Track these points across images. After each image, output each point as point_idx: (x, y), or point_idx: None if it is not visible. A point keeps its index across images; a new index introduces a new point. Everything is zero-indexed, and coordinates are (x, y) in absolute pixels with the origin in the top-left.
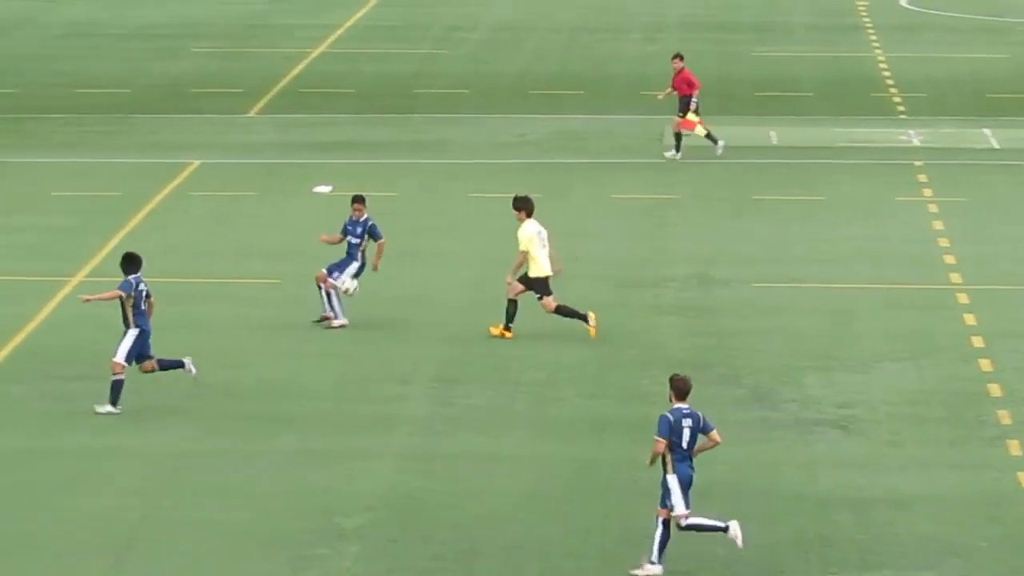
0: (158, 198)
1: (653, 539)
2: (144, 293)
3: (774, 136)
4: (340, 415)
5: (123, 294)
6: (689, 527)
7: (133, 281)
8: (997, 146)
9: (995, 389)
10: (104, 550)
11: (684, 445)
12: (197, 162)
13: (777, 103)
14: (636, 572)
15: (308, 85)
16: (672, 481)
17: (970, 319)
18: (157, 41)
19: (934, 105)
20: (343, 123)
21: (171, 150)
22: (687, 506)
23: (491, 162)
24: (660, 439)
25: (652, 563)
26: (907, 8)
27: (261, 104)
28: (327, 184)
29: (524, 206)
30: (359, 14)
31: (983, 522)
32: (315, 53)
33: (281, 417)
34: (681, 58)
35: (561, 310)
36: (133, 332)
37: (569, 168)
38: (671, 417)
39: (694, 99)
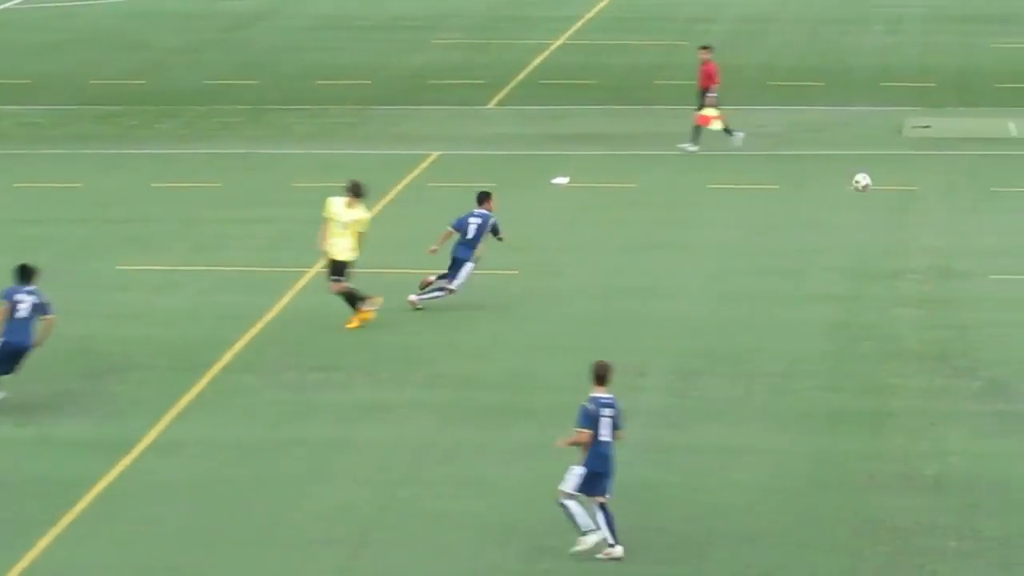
0: (396, 189)
1: (602, 527)
2: (31, 305)
3: (1013, 128)
4: (575, 407)
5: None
6: (563, 505)
7: (10, 292)
8: None
9: None
10: (340, 541)
11: (601, 435)
12: (436, 153)
13: (1018, 95)
14: (601, 556)
15: (548, 76)
16: (577, 469)
17: None
18: (400, 33)
19: None
20: (583, 115)
21: (411, 141)
22: (578, 491)
23: (732, 153)
24: (582, 430)
25: (612, 545)
26: None
27: (501, 95)
28: (565, 176)
29: (354, 191)
30: (601, 5)
31: None
32: (556, 44)
33: (518, 408)
34: (708, 50)
35: (347, 293)
36: None
37: (808, 159)
38: (591, 407)
39: (711, 93)
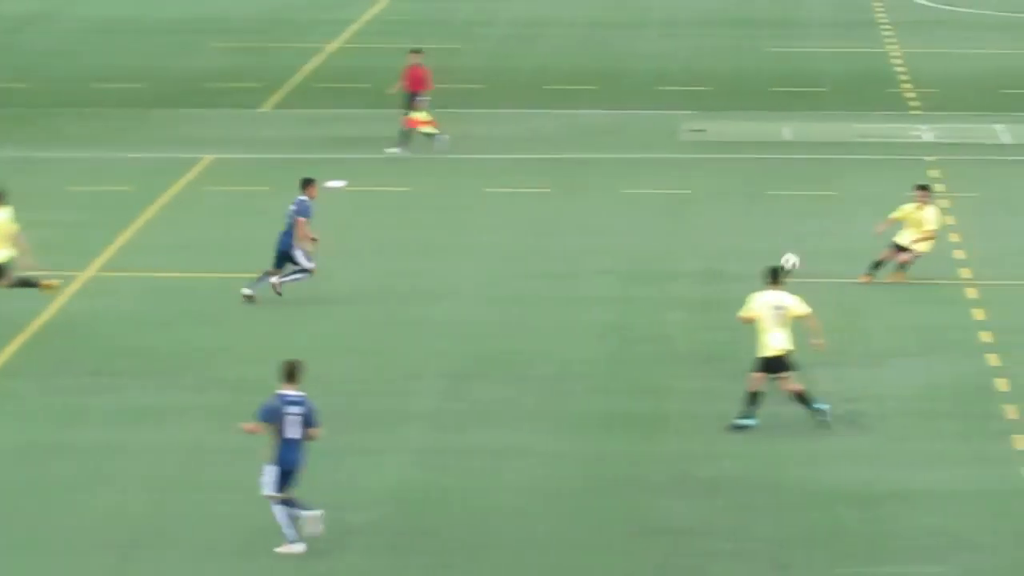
0: (172, 192)
1: (280, 523)
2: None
3: (787, 132)
4: (350, 410)
5: None
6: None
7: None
8: (1010, 142)
9: (1002, 384)
10: (111, 546)
11: (288, 434)
12: (211, 157)
13: (791, 99)
14: (280, 550)
15: (324, 80)
16: (269, 469)
17: (979, 314)
18: (177, 36)
19: (948, 101)
20: (358, 118)
21: (187, 145)
22: (279, 490)
23: (506, 157)
24: (256, 424)
25: (291, 543)
26: (923, 4)
27: (277, 99)
28: (342, 179)
29: None
30: (377, 9)
31: (990, 516)
32: (332, 48)
33: None
34: (419, 53)
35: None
36: None
37: (583, 163)
38: (273, 402)
39: (421, 97)
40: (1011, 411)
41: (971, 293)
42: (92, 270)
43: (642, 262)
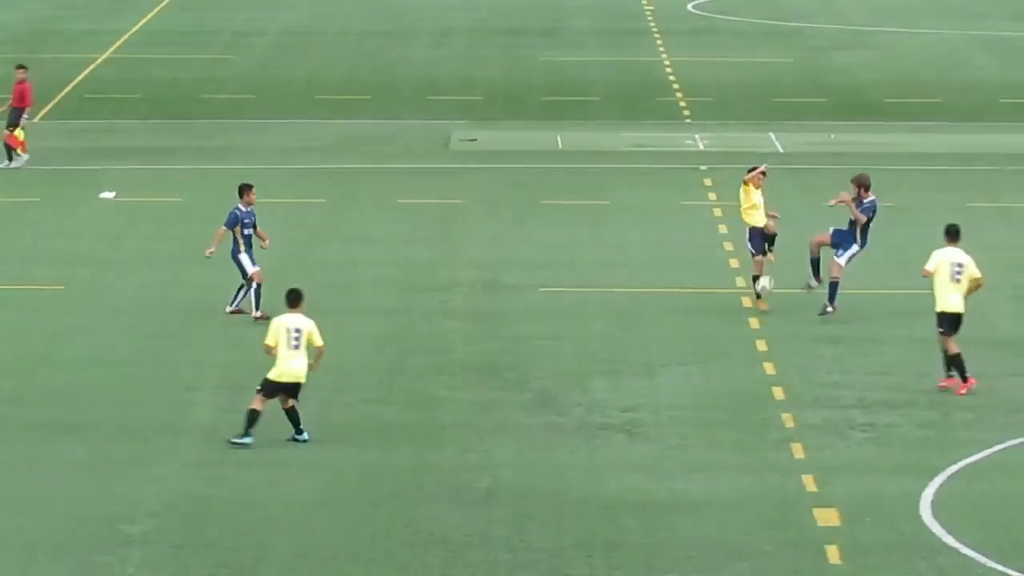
0: None
1: None
2: None
3: (560, 141)
4: (125, 422)
5: None
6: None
7: None
8: (782, 150)
9: (779, 392)
10: None
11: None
12: None
13: (564, 108)
14: None
15: (94, 91)
16: None
17: (754, 323)
18: None
19: (720, 109)
20: (129, 129)
21: None
22: None
23: (278, 167)
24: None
25: None
26: (693, 13)
27: (45, 110)
28: (111, 191)
29: None
30: (146, 19)
31: (768, 525)
32: (101, 59)
33: (66, 425)
34: (24, 69)
35: None
36: None
37: (356, 173)
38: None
39: (25, 115)
40: (788, 419)
41: (746, 302)
42: None
43: (418, 272)
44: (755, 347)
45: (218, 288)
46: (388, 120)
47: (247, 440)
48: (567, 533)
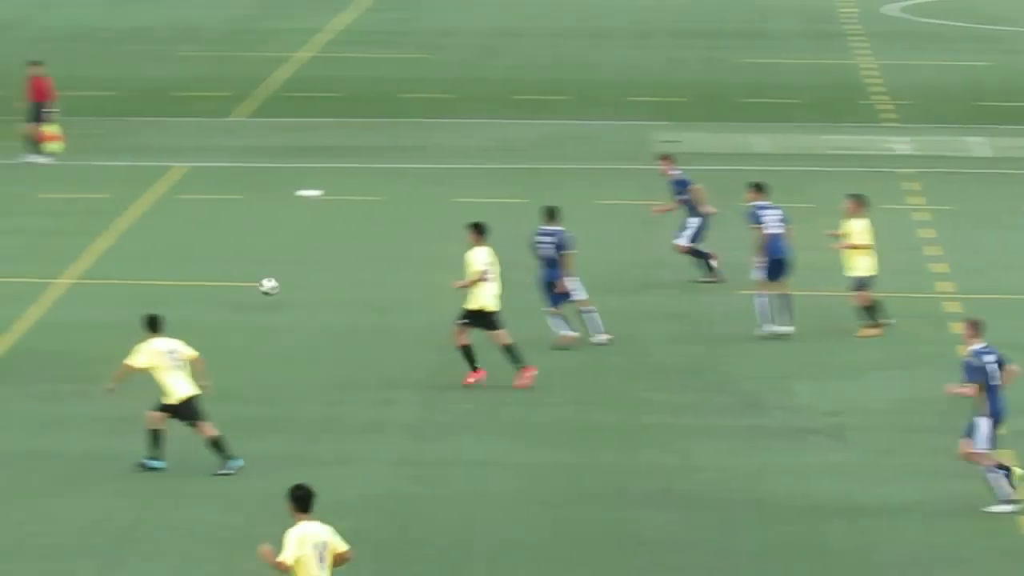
0: (146, 201)
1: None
2: None
3: (760, 143)
4: (329, 419)
5: None
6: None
7: None
8: (987, 154)
9: None
10: (94, 554)
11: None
12: (184, 165)
13: (763, 110)
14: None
15: (294, 89)
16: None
17: (958, 328)
18: (144, 44)
19: (922, 112)
20: (329, 127)
21: (156, 153)
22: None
23: (477, 167)
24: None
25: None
26: (892, 16)
27: (248, 108)
28: (315, 188)
29: None
30: (347, 18)
31: (977, 532)
32: (302, 57)
33: (271, 421)
34: (39, 65)
35: None
36: None
37: (555, 173)
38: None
39: (48, 109)
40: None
41: (951, 307)
42: (68, 278)
43: (618, 273)
44: (959, 352)
45: (418, 286)
46: (587, 121)
47: (157, 464)
48: (771, 537)
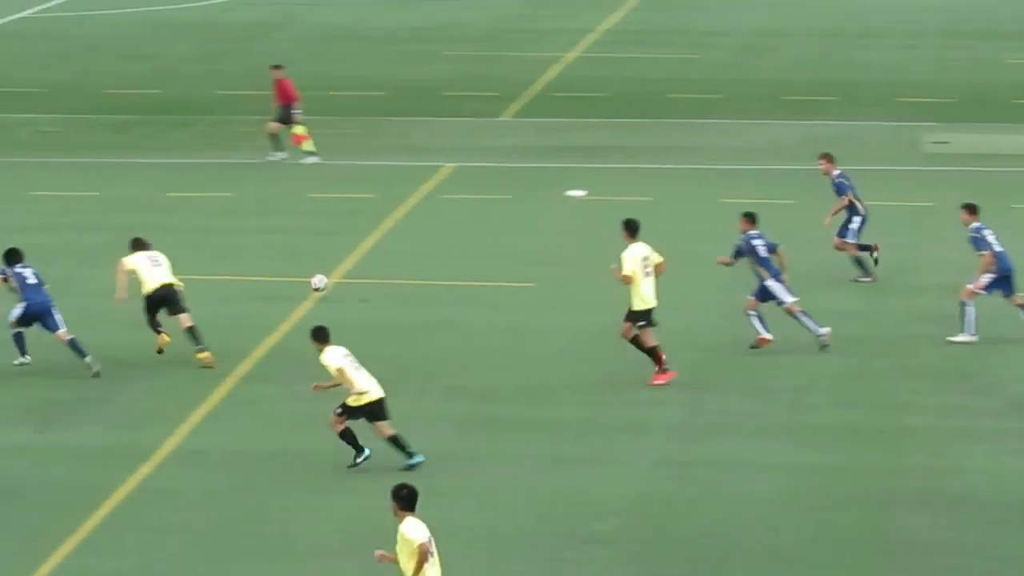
0: (412, 201)
1: None
2: (24, 276)
3: None
4: (593, 420)
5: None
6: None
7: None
8: None
9: None
10: (357, 552)
11: None
12: (451, 165)
13: None
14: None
15: (562, 89)
16: None
17: None
18: (412, 44)
19: None
20: (596, 127)
21: (424, 153)
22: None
23: (744, 167)
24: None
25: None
26: None
27: (515, 107)
28: (581, 189)
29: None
30: (614, 18)
31: None
32: (569, 57)
33: (534, 421)
34: (280, 68)
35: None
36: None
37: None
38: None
39: (294, 110)
40: None
41: None
42: (335, 277)
43: (886, 274)
44: None
45: (679, 286)
46: (855, 122)
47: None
48: None
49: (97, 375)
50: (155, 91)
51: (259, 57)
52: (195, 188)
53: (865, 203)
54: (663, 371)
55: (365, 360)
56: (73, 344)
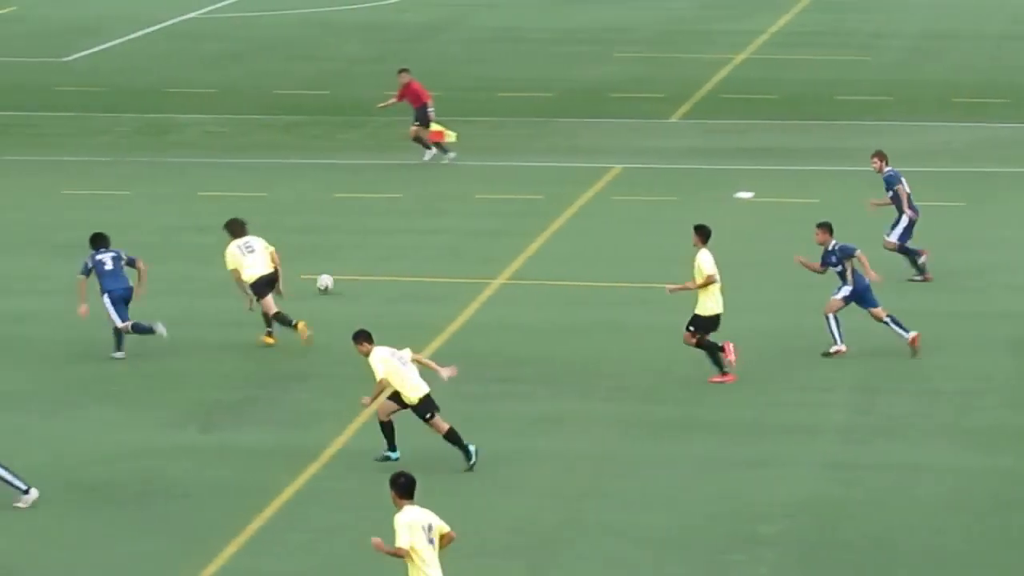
0: (580, 202)
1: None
2: (103, 263)
3: None
4: (758, 421)
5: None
6: None
7: (88, 260)
8: None
9: None
10: (522, 553)
11: None
12: (618, 166)
13: None
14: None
15: (731, 91)
16: None
17: None
18: (580, 45)
19: None
20: (765, 129)
21: (593, 154)
22: None
23: (915, 170)
24: None
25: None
26: None
27: (683, 109)
28: (749, 191)
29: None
30: (783, 20)
31: None
32: (739, 59)
33: (699, 422)
34: (406, 71)
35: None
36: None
37: (992, 177)
38: None
39: (429, 108)
40: None
41: None
42: (502, 278)
43: None
44: None
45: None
46: None
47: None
48: None
49: (161, 335)
50: (324, 92)
51: (429, 58)
52: (363, 189)
53: (908, 211)
54: (724, 372)
55: (530, 361)
56: (137, 327)
